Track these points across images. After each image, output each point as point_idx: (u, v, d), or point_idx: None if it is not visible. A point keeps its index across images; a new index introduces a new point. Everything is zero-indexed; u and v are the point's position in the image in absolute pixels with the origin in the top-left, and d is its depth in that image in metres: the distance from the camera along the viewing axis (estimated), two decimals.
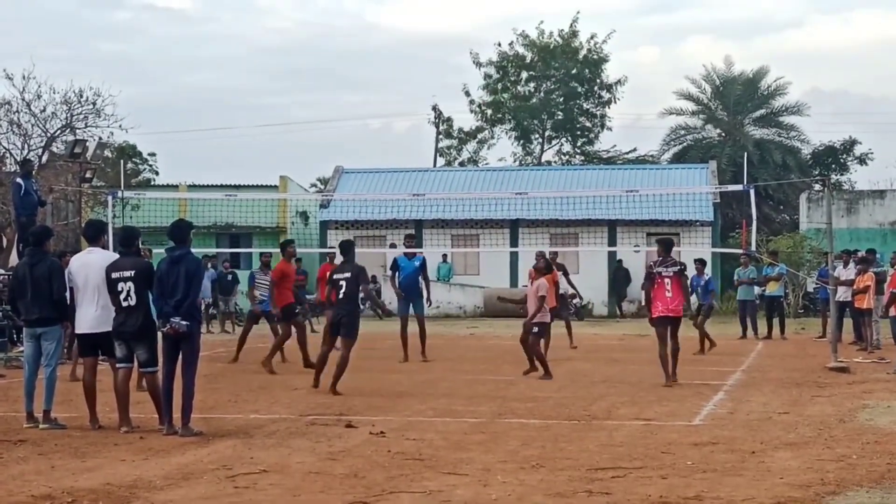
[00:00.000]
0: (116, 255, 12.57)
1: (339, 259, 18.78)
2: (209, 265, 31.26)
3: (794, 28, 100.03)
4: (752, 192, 23.48)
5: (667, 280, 17.16)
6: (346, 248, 16.90)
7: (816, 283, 33.45)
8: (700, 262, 25.59)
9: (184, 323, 11.83)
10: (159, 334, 12.17)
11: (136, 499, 8.62)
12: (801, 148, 58.97)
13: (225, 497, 8.66)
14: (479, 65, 62.75)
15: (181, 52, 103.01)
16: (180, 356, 12.00)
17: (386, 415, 13.48)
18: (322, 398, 15.22)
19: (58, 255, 19.66)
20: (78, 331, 12.66)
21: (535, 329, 18.23)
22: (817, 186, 51.10)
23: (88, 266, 12.49)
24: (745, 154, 29.20)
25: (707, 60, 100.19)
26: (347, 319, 15.90)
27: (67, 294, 12.63)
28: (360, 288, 16.06)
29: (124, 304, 12.07)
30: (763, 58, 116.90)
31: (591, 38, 61.90)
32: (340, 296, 15.94)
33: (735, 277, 29.95)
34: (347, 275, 16.00)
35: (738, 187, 25.99)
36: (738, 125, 58.81)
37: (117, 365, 12.31)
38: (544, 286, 18.51)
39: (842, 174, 59.25)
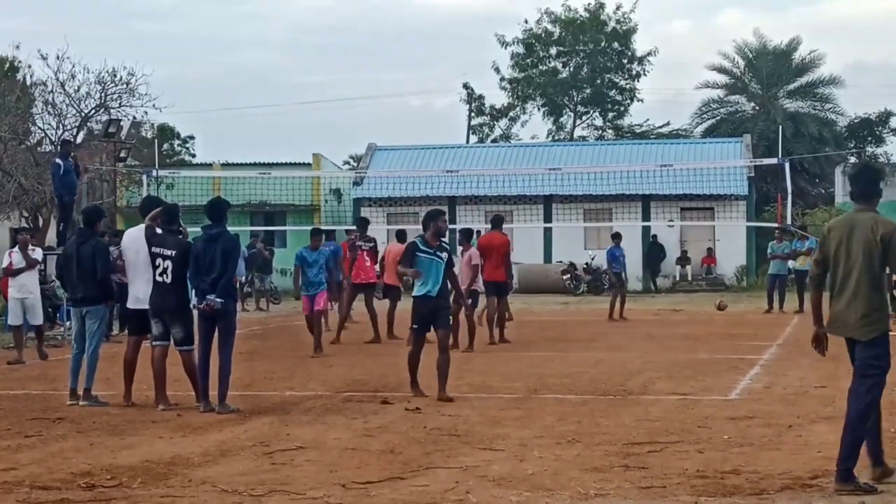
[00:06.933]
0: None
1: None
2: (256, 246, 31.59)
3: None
4: (787, 165, 23.33)
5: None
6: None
7: None
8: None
9: (219, 300, 11.85)
10: (195, 313, 12.22)
11: (174, 475, 8.67)
12: (836, 120, 58.44)
13: (262, 473, 8.71)
14: (504, 44, 62.39)
15: (218, 32, 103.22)
16: (216, 334, 12.06)
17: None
18: (357, 375, 15.26)
19: (112, 234, 19.77)
20: (129, 306, 12.73)
21: (470, 300, 18.62)
22: (853, 159, 50.74)
23: (140, 241, 12.47)
24: (780, 127, 28.98)
25: (741, 33, 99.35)
26: None
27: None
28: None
29: (159, 279, 12.11)
30: (801, 30, 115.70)
31: (618, 8, 61.63)
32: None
33: (769, 251, 29.83)
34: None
35: (773, 161, 25.84)
36: (772, 98, 58.34)
37: (153, 343, 12.38)
38: (476, 256, 19.33)
39: (878, 146, 58.79)
